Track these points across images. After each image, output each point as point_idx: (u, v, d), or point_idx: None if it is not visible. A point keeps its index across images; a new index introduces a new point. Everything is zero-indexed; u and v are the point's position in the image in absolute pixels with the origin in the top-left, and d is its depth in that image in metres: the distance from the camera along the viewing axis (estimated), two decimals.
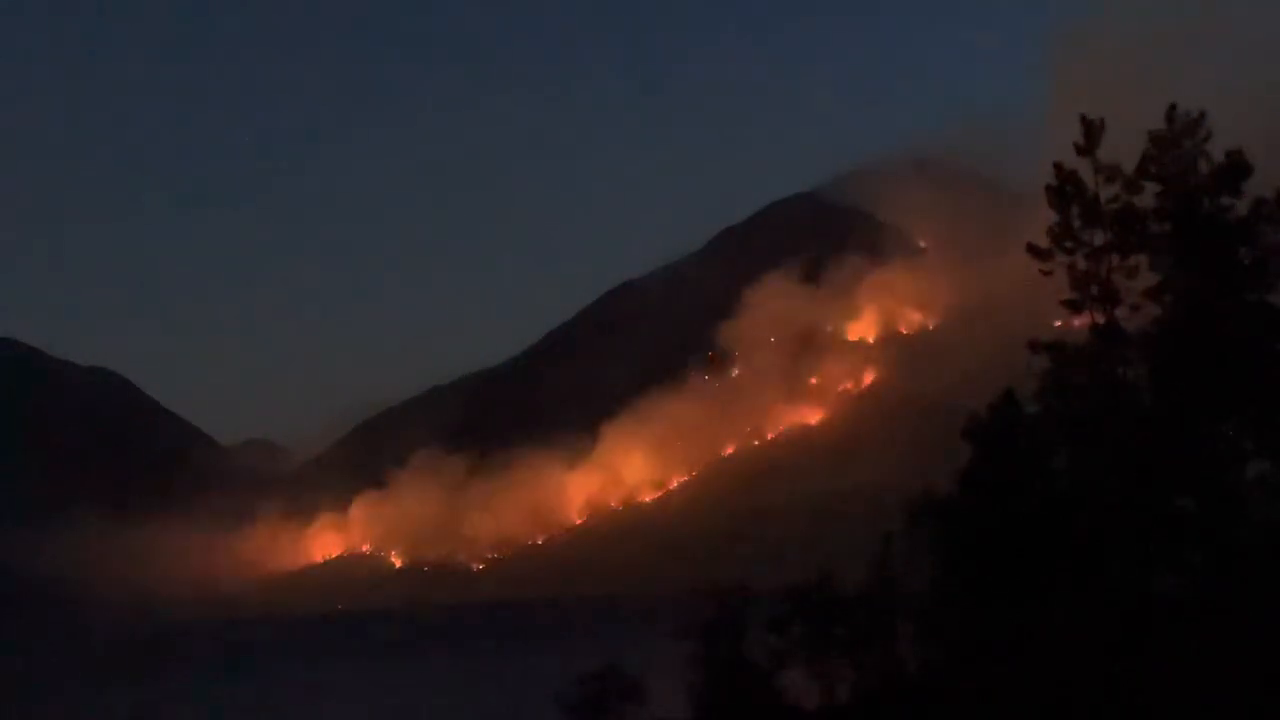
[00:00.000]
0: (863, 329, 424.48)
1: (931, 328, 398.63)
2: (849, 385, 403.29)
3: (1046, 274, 47.86)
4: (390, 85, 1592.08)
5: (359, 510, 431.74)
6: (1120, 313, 47.50)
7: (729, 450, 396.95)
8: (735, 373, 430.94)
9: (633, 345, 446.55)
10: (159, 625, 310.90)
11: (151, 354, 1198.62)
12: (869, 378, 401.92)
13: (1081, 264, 47.54)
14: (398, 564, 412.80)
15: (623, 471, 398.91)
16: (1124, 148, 47.54)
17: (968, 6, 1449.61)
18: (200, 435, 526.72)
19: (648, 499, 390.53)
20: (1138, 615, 43.53)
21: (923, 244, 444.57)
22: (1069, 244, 47.65)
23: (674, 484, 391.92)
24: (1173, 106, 47.13)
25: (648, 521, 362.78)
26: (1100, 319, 47.56)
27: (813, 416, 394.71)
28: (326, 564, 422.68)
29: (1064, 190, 47.74)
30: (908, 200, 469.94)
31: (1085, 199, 47.53)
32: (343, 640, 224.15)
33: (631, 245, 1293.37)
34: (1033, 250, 48.14)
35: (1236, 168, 46.32)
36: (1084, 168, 47.66)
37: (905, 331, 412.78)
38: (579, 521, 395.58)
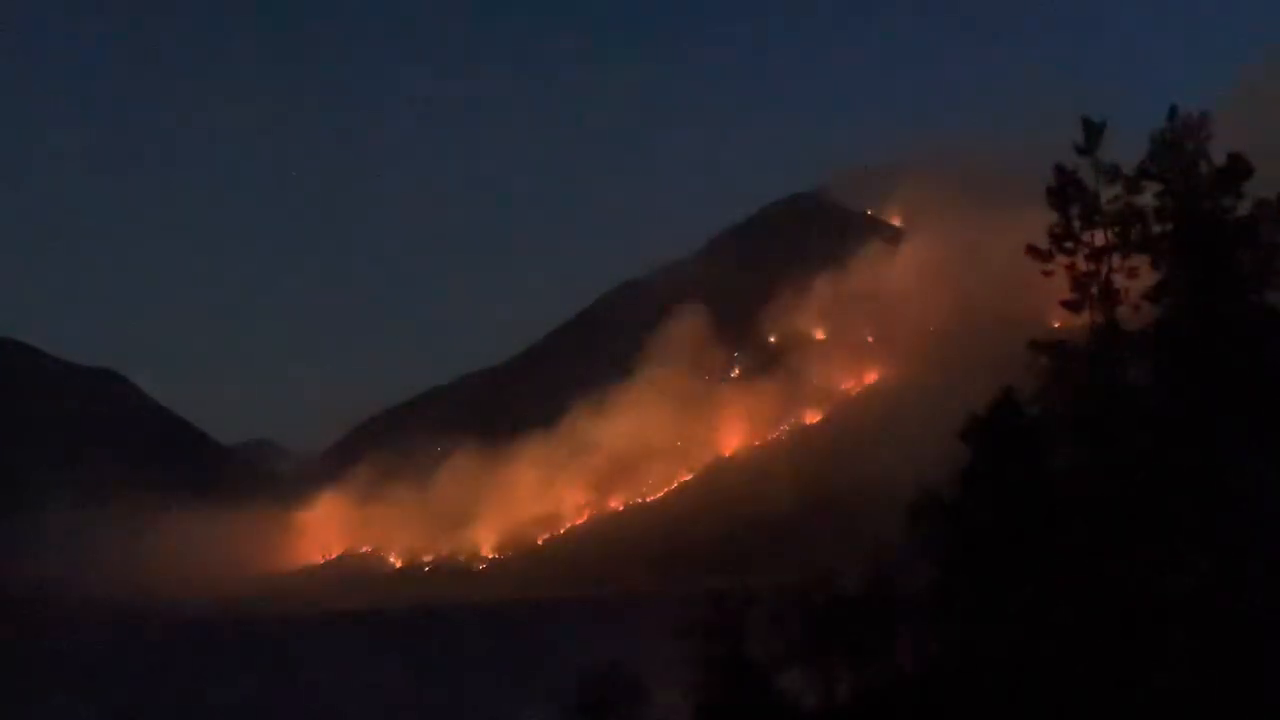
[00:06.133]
0: (862, 329, 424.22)
1: (932, 328, 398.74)
2: (849, 385, 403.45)
3: (1047, 274, 47.84)
4: (391, 86, 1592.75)
5: (358, 510, 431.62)
6: (1120, 313, 47.46)
7: (729, 450, 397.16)
8: (735, 372, 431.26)
9: (632, 345, 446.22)
10: (158, 625, 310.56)
11: (152, 354, 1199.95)
12: (869, 378, 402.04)
13: (1081, 264, 47.51)
14: (398, 564, 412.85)
15: (623, 471, 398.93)
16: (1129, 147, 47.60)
17: (969, 6, 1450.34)
18: (200, 435, 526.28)
19: (649, 498, 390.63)
20: (1138, 615, 43.48)
21: (923, 243, 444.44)
22: (1069, 244, 47.61)
23: (675, 483, 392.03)
24: (1173, 107, 47.12)
25: (648, 521, 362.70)
26: (1100, 319, 47.51)
27: (813, 416, 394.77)
28: (326, 564, 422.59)
29: (1064, 190, 47.72)
30: (906, 200, 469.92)
31: (1085, 199, 47.51)
32: (342, 640, 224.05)
33: (631, 245, 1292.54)
34: (1033, 250, 48.10)
35: (1237, 169, 46.30)
36: (1084, 168, 47.65)
37: (905, 332, 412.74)
38: (580, 521, 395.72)
